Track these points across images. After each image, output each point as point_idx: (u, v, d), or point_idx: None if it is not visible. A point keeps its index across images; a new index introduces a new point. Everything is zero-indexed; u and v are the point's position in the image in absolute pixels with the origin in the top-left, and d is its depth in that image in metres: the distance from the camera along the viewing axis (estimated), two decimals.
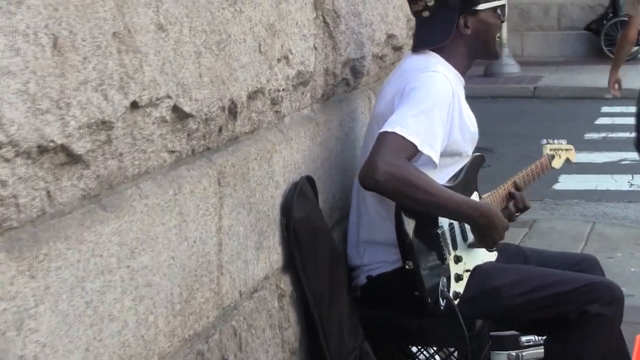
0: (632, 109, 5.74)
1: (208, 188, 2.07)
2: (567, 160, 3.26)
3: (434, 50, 2.69)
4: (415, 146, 2.45)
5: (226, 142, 2.20)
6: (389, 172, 2.39)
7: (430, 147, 2.48)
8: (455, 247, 2.64)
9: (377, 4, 3.15)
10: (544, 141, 3.25)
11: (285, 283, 2.45)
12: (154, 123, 1.88)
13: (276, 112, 2.47)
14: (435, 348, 2.79)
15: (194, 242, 2.02)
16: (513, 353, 3.24)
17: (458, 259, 2.63)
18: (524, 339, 3.23)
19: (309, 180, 2.55)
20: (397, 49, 3.31)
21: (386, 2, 3.23)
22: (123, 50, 1.75)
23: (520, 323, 2.78)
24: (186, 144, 2.02)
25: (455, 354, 2.73)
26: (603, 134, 8.74)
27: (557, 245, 5.21)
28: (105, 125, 1.70)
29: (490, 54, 2.76)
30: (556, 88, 11.29)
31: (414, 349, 2.82)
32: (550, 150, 3.19)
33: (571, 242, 5.28)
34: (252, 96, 2.31)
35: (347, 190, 2.83)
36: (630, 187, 6.77)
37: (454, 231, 2.64)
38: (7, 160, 1.45)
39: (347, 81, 2.98)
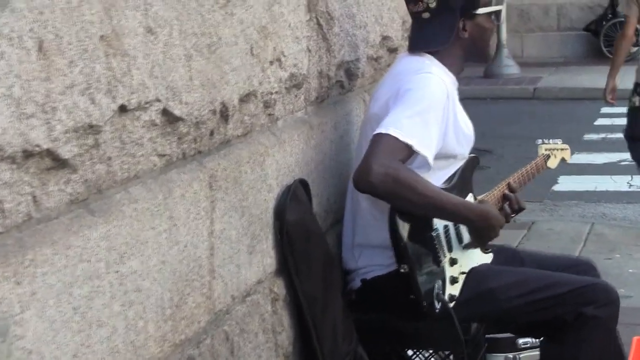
0: None
1: (199, 192, 2.06)
2: (563, 159, 3.24)
3: (429, 52, 2.68)
4: (410, 148, 2.44)
5: (218, 146, 2.19)
6: (383, 174, 2.37)
7: (425, 148, 2.47)
8: (450, 250, 2.62)
9: (372, 6, 3.13)
10: (539, 141, 3.24)
11: (279, 287, 2.43)
12: (143, 127, 1.86)
13: (269, 115, 2.46)
14: (431, 351, 2.78)
15: (185, 246, 2.00)
16: (510, 355, 3.23)
17: (453, 262, 2.62)
18: (520, 341, 3.21)
19: (303, 183, 2.53)
20: (392, 50, 3.29)
21: (381, 4, 3.21)
22: (111, 54, 1.74)
23: (516, 325, 2.76)
24: (176, 148, 2.00)
25: (451, 357, 2.71)
26: (602, 135, 8.73)
27: (556, 246, 5.20)
28: (92, 129, 1.69)
29: (483, 57, 2.77)
30: (556, 89, 11.28)
31: (410, 352, 2.80)
32: (546, 150, 3.18)
33: (570, 243, 5.27)
34: (244, 99, 2.29)
35: (341, 193, 2.81)
36: (630, 187, 6.75)
37: (449, 233, 2.62)
38: None
39: (342, 83, 2.97)
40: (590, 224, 5.66)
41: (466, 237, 2.67)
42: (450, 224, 2.64)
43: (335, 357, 2.47)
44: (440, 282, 2.57)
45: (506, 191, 2.84)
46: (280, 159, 2.47)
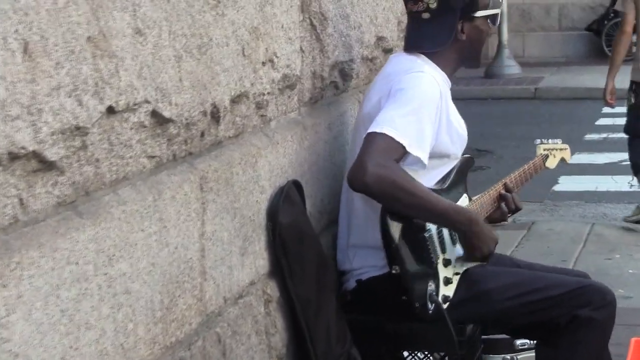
0: None
1: (190, 193, 2.05)
2: (562, 159, 3.21)
3: (423, 53, 2.67)
4: (403, 147, 2.43)
5: (209, 147, 2.18)
6: (378, 174, 2.36)
7: (419, 148, 2.46)
8: (444, 251, 2.61)
9: (366, 6, 3.12)
10: (538, 141, 3.21)
11: (272, 288, 2.43)
12: (131, 128, 1.85)
13: (262, 116, 2.45)
14: (426, 352, 2.76)
15: (175, 248, 2.00)
16: (508, 357, 3.21)
17: (447, 262, 2.60)
18: (518, 342, 3.20)
19: (296, 184, 2.53)
20: (388, 51, 3.28)
21: (375, 4, 3.20)
22: (98, 55, 1.73)
23: (512, 327, 2.75)
24: (166, 149, 2.00)
25: (446, 358, 2.70)
26: (604, 135, 8.71)
27: (556, 246, 5.18)
28: (79, 131, 1.68)
29: (476, 61, 2.75)
30: (557, 89, 11.27)
31: (405, 354, 2.79)
32: (544, 150, 3.16)
33: (569, 243, 5.25)
34: (235, 100, 2.28)
35: (336, 194, 2.80)
36: (631, 188, 6.73)
37: (442, 234, 2.61)
38: None
39: (336, 84, 2.96)
40: (591, 225, 5.64)
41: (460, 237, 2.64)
42: None
43: (328, 358, 2.46)
44: (433, 283, 2.55)
45: (502, 191, 2.83)
46: (273, 160, 2.47)
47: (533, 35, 13.74)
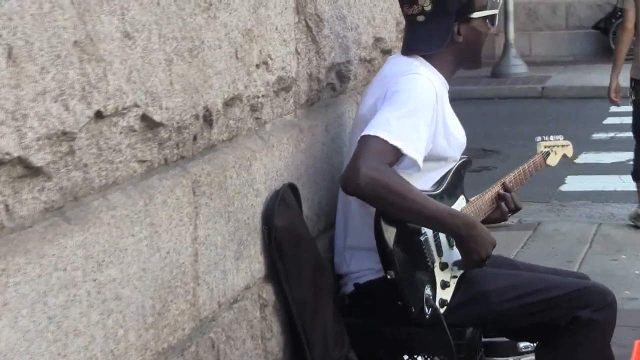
0: None
1: (182, 198, 2.04)
2: (564, 156, 3.17)
3: (421, 55, 2.65)
4: (398, 150, 2.41)
5: (202, 151, 2.17)
6: (370, 177, 2.34)
7: (414, 150, 2.43)
8: (440, 254, 2.58)
9: (364, 7, 3.10)
10: (539, 138, 3.17)
11: (268, 293, 2.41)
12: (121, 133, 1.84)
13: (256, 118, 2.43)
14: (425, 356, 2.74)
15: (167, 253, 1.98)
16: (511, 359, 3.19)
17: (444, 266, 2.58)
18: (521, 345, 3.17)
19: (292, 187, 2.51)
20: (386, 52, 3.26)
21: (373, 5, 3.18)
22: (85, 59, 1.72)
23: (511, 329, 2.72)
24: (158, 154, 1.98)
25: None
26: (611, 134, 8.65)
27: (561, 247, 5.14)
28: (66, 136, 1.67)
29: (476, 62, 2.72)
30: (564, 88, 11.21)
31: (405, 357, 2.77)
32: (545, 147, 3.11)
33: (575, 244, 5.21)
34: (229, 103, 2.27)
35: (333, 197, 2.78)
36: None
37: (438, 237, 2.58)
38: None
39: (333, 86, 2.94)
40: (597, 225, 5.60)
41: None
42: None
43: None
44: (430, 287, 2.53)
45: (501, 191, 2.80)
46: (269, 163, 2.45)
47: (540, 34, 13.69)
